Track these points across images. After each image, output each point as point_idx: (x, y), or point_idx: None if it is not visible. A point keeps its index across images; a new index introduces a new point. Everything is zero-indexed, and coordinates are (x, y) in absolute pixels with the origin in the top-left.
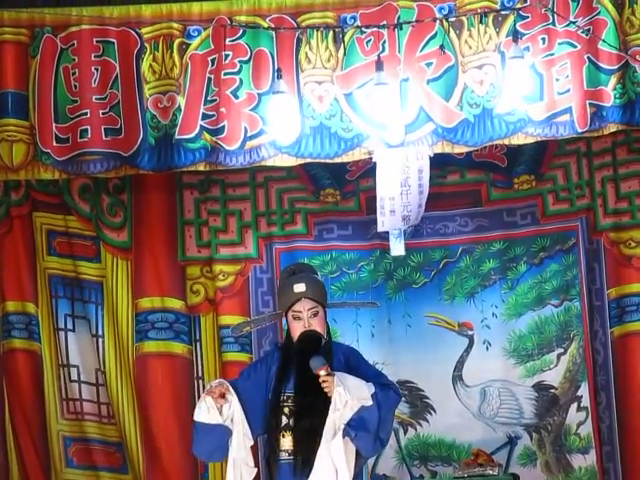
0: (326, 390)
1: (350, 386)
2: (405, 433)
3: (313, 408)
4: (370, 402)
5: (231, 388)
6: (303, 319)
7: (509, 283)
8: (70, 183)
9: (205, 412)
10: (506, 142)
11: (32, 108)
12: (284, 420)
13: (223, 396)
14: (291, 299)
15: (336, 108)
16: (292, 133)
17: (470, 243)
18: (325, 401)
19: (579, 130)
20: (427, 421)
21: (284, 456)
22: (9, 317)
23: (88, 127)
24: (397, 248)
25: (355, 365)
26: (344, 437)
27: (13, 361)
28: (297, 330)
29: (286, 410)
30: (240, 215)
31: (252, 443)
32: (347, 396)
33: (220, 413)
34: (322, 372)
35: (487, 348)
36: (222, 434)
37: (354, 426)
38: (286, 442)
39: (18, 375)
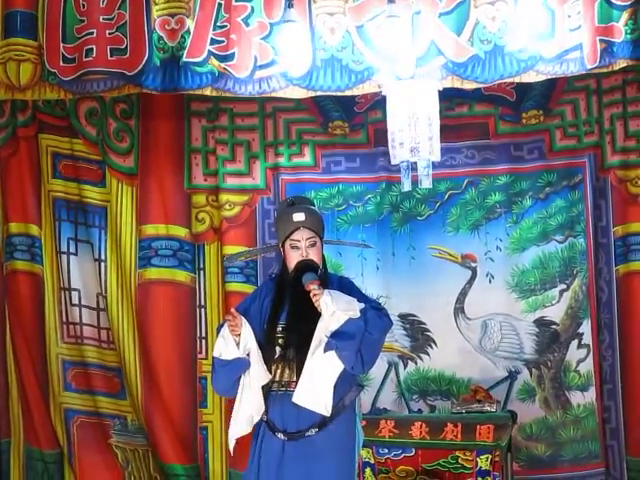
0: (315, 304)
1: (339, 300)
2: (405, 367)
3: (307, 338)
4: (358, 315)
5: (245, 320)
6: (301, 248)
7: (514, 217)
8: (77, 106)
9: (223, 347)
10: (517, 80)
11: (41, 28)
12: (277, 351)
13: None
14: (290, 228)
15: (348, 40)
16: (303, 65)
17: (476, 175)
18: None
19: (588, 66)
20: (428, 354)
21: (275, 387)
22: (12, 239)
23: (93, 46)
24: (406, 183)
25: (348, 293)
26: (326, 351)
27: (15, 283)
28: (294, 259)
29: (280, 341)
30: (248, 145)
31: (268, 379)
32: (334, 307)
33: (237, 346)
34: (313, 286)
35: (490, 281)
36: (241, 367)
37: (338, 337)
38: (278, 373)
39: (19, 297)
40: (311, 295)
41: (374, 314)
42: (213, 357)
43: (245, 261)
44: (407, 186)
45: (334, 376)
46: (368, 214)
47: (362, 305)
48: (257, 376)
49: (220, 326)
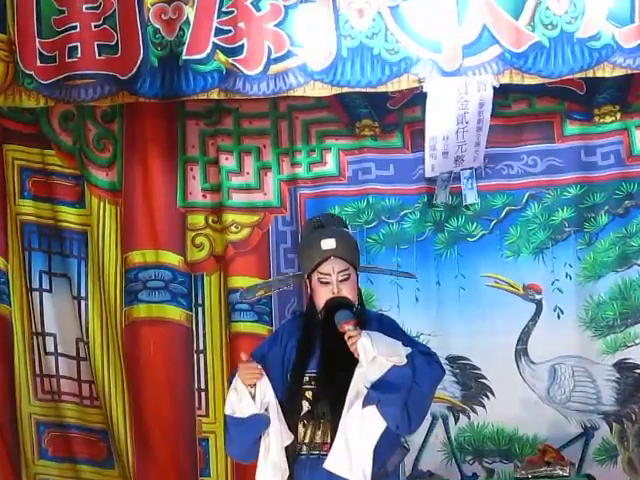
0: (351, 348)
1: (381, 343)
2: (456, 421)
3: (342, 391)
4: (404, 361)
5: (260, 368)
6: (331, 283)
7: (587, 237)
8: (50, 109)
9: (236, 402)
10: (589, 74)
11: (11, 19)
12: (305, 406)
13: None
14: (317, 258)
15: (379, 25)
16: (326, 56)
17: (539, 187)
18: None
19: None
20: (483, 407)
21: (304, 450)
22: None
23: (78, 44)
24: (441, 194)
25: (390, 334)
26: (366, 405)
27: None
28: (323, 297)
29: (308, 394)
30: (258, 153)
31: (291, 440)
32: (374, 351)
33: (253, 400)
34: (348, 327)
35: (558, 316)
36: (259, 425)
37: (380, 388)
38: (307, 433)
39: None
40: (346, 337)
41: (423, 361)
42: (225, 415)
43: (263, 296)
44: (443, 198)
45: (375, 437)
46: (405, 233)
47: (408, 350)
48: (278, 437)
49: (232, 376)
